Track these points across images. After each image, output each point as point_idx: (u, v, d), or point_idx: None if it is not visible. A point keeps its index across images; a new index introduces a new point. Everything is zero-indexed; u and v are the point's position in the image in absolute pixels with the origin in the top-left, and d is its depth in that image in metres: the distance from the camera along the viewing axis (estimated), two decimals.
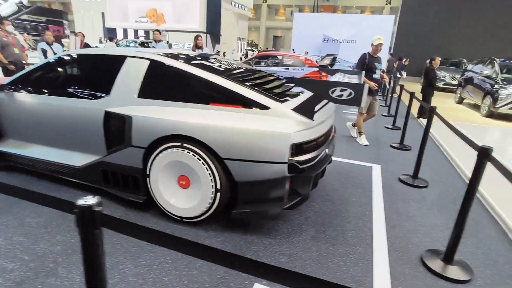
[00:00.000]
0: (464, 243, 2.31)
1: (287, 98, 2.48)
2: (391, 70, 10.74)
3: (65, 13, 30.07)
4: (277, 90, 2.58)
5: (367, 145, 4.77)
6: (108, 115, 2.43)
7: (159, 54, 2.60)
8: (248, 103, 2.26)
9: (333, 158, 3.63)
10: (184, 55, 2.86)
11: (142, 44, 16.32)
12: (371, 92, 4.48)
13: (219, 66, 2.69)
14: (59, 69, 2.89)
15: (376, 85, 4.62)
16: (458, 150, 4.51)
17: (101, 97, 2.54)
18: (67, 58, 2.88)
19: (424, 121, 5.12)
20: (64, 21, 28.52)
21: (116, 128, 2.42)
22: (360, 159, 4.10)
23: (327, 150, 2.68)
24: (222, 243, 2.21)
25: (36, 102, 2.75)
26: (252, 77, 2.71)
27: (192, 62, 2.60)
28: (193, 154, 2.20)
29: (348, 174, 3.59)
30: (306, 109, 2.22)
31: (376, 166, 3.91)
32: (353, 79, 4.18)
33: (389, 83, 9.63)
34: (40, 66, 2.93)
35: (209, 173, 2.20)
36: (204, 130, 2.18)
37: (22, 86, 2.85)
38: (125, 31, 23.42)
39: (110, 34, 21.11)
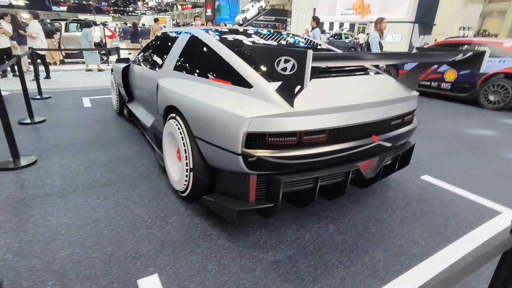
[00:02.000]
0: None
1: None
2: None
3: (289, 12, 34.59)
4: None
5: None
6: (157, 85, 2.79)
7: (210, 30, 2.66)
8: (237, 79, 1.99)
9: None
10: (238, 31, 2.79)
11: (334, 36, 16.44)
12: None
13: (254, 42, 2.46)
14: (154, 45, 3.51)
15: None
16: None
17: (159, 69, 2.93)
18: (160, 36, 3.46)
19: None
20: (288, 19, 32.98)
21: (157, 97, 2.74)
22: (478, 192, 2.60)
23: (359, 165, 1.96)
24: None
25: (138, 72, 3.51)
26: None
27: (225, 36, 2.51)
28: (178, 127, 2.19)
29: (444, 213, 2.38)
30: (286, 90, 1.67)
31: (507, 212, 2.36)
32: None
33: None
34: (148, 44, 3.69)
35: (184, 149, 2.12)
36: (184, 104, 2.13)
37: (138, 59, 3.71)
38: (331, 24, 24.26)
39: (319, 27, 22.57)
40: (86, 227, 2.04)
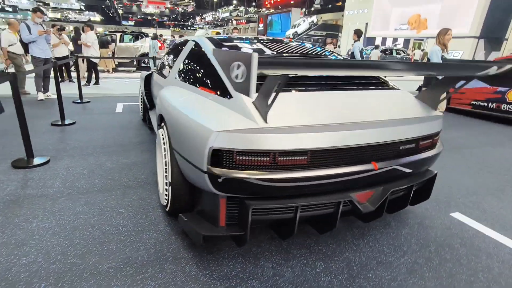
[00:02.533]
0: None
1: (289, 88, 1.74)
2: None
3: (340, 26, 33.97)
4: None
5: None
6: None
7: (213, 38, 2.55)
8: (220, 89, 1.81)
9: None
10: (241, 38, 2.63)
11: (385, 51, 15.60)
12: None
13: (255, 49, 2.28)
14: (169, 54, 3.48)
15: None
16: None
17: (167, 76, 2.87)
18: (175, 45, 3.43)
19: None
20: (339, 34, 32.37)
21: None
22: None
23: (353, 196, 1.64)
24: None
25: (155, 80, 3.50)
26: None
27: (227, 43, 2.37)
28: (163, 138, 2.07)
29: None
30: (262, 103, 1.45)
31: None
32: None
33: None
34: (166, 52, 3.70)
35: (165, 161, 1.98)
36: (167, 112, 2.00)
37: (157, 67, 3.72)
38: (383, 39, 23.19)
39: (370, 43, 21.67)
40: (60, 234, 1.98)
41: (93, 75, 8.15)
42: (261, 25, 41.65)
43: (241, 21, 56.87)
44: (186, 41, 2.88)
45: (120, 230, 2.04)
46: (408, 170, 1.83)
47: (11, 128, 3.84)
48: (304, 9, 38.72)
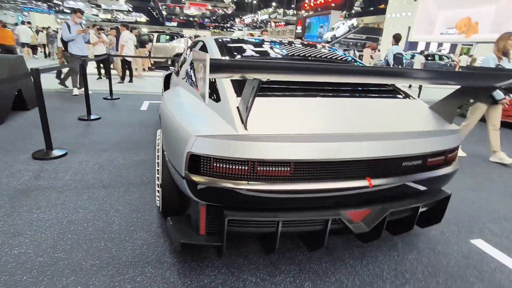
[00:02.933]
0: None
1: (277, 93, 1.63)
2: None
3: (381, 30, 32.66)
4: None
5: None
6: None
7: (220, 39, 2.50)
8: (212, 91, 1.74)
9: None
10: (251, 40, 2.55)
11: (427, 57, 14.66)
12: None
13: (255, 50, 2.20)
14: (185, 54, 3.49)
15: None
16: None
17: (177, 76, 2.88)
18: (191, 45, 3.43)
19: None
20: (380, 37, 31.12)
21: None
22: None
23: (344, 213, 1.50)
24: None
25: (172, 79, 3.53)
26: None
27: (231, 45, 2.30)
28: (158, 138, 2.05)
29: None
30: (242, 108, 1.35)
31: None
32: None
33: None
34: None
35: (157, 162, 1.96)
36: (162, 112, 1.97)
37: (175, 66, 3.76)
38: (427, 44, 21.87)
39: (412, 48, 20.54)
40: (55, 227, 2.03)
41: (127, 72, 8.51)
42: (299, 28, 41.30)
43: (279, 23, 56.84)
44: (197, 42, 2.86)
45: (112, 228, 2.05)
46: (412, 190, 1.64)
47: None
48: (344, 12, 37.73)
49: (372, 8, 37.65)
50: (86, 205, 2.31)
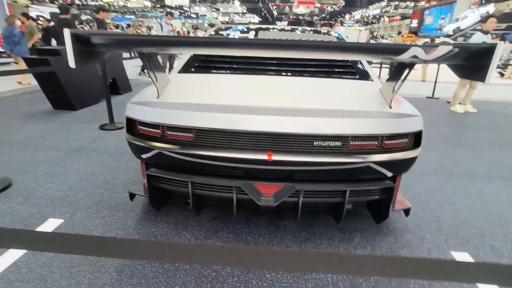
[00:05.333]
0: None
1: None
2: None
3: None
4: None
5: None
6: None
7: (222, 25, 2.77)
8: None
9: None
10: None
11: None
12: None
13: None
14: None
15: None
16: None
17: None
18: None
19: None
20: None
21: None
22: None
23: (249, 184, 1.63)
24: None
25: None
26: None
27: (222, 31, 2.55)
28: None
29: None
30: (161, 81, 1.60)
31: None
32: None
33: None
34: None
35: None
36: None
37: None
38: None
39: None
40: (80, 175, 2.68)
41: None
42: (414, 21, 37.01)
43: (394, 17, 52.05)
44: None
45: (116, 182, 2.58)
46: (333, 173, 1.57)
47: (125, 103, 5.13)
48: None
49: None
50: (110, 164, 2.93)
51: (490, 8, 28.11)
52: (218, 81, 1.79)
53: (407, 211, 1.88)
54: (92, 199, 2.31)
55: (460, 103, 5.69)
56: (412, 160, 1.63)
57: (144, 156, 1.71)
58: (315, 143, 1.53)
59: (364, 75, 1.89)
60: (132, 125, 1.71)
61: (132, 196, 1.97)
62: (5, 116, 4.40)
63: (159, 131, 1.62)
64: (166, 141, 1.62)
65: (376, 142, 1.55)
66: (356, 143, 1.54)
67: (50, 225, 1.99)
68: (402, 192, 2.46)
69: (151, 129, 1.63)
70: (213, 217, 2.14)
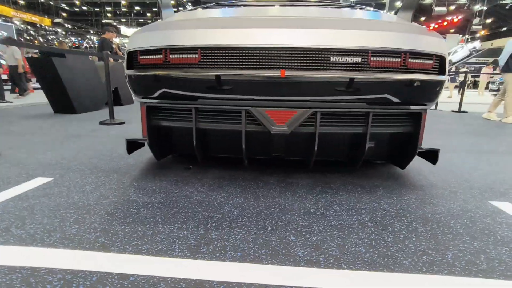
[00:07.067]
0: None
1: None
2: None
3: None
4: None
5: None
6: None
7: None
8: None
9: None
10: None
11: None
12: None
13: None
14: None
15: None
16: None
17: None
18: None
19: None
20: None
21: None
22: None
23: (260, 110, 1.47)
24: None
25: None
26: None
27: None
28: None
29: None
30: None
31: None
32: None
33: None
34: None
35: None
36: None
37: None
38: None
39: None
40: (80, 150, 2.51)
41: None
42: None
43: None
44: None
45: (112, 155, 2.40)
46: (354, 93, 1.41)
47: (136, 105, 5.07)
48: (464, 36, 33.32)
49: (505, 29, 32.31)
50: (108, 142, 2.77)
51: (477, 44, 29.41)
52: (225, 11, 1.70)
53: (435, 155, 1.67)
54: (86, 165, 2.12)
55: (489, 111, 5.40)
56: (437, 86, 1.48)
57: (145, 90, 1.57)
58: (334, 58, 1.39)
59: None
60: (132, 57, 1.59)
61: (130, 147, 1.79)
62: (6, 116, 4.31)
63: (161, 56, 1.49)
64: (169, 66, 1.48)
65: (399, 60, 1.42)
66: (377, 59, 1.40)
67: (37, 183, 1.79)
68: None
69: (153, 56, 1.51)
70: (218, 176, 1.95)
